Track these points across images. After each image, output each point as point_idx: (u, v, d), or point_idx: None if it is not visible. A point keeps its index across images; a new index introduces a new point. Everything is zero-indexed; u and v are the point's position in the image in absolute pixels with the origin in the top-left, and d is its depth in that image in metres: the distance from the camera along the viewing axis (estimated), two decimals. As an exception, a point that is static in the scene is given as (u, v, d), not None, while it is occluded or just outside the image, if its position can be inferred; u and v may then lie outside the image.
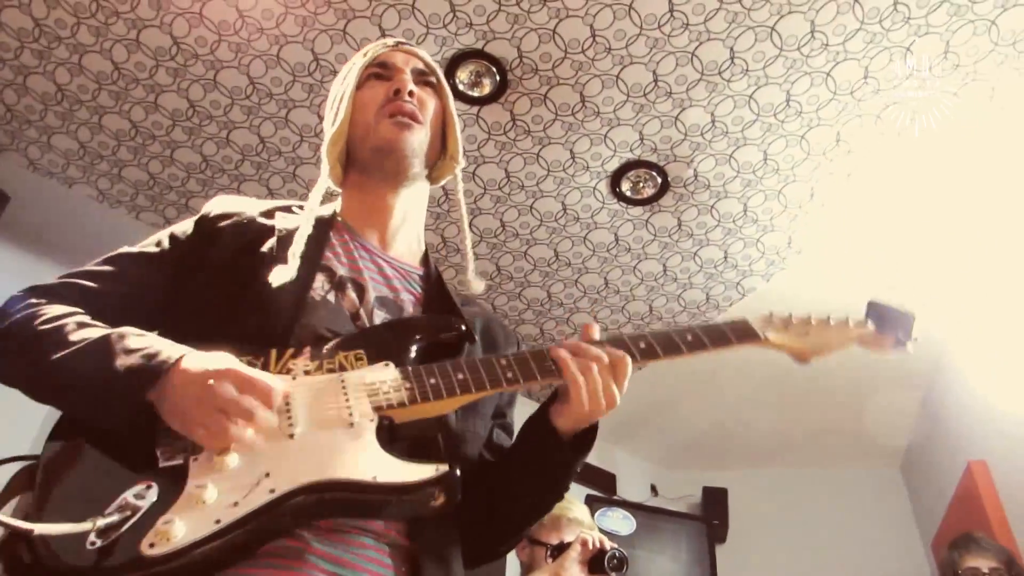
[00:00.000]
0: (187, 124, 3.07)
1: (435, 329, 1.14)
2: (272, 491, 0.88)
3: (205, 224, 1.19)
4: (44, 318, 1.03)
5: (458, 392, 1.03)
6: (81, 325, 1.02)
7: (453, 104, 1.34)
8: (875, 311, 1.28)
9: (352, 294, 1.16)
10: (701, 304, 3.73)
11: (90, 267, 1.15)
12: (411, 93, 1.24)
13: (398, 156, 1.23)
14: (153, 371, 0.93)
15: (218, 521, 0.85)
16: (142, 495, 0.87)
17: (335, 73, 2.78)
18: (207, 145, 3.15)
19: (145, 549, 0.82)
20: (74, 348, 0.98)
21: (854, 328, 1.27)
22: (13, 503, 0.94)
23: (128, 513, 0.84)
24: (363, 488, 0.92)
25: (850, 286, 3.53)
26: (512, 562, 3.76)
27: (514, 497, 1.16)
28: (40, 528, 0.80)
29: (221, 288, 1.11)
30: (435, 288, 1.25)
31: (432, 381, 1.03)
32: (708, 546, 4.17)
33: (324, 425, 0.97)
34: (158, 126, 3.09)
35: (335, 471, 0.92)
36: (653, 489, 4.76)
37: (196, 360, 0.93)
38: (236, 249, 1.15)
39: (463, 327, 1.14)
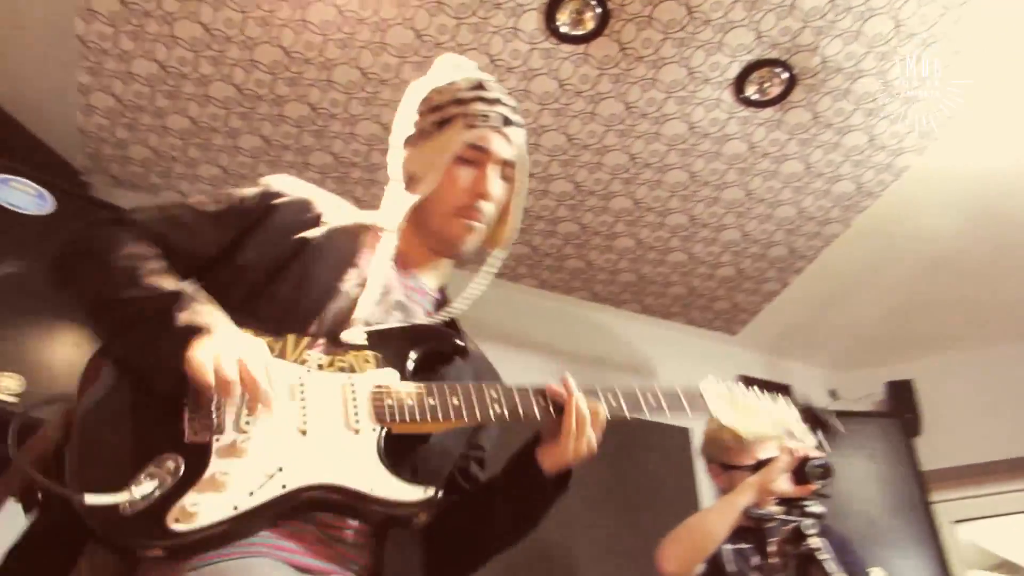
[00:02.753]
0: (313, 128, 3.19)
1: (439, 339, 1.28)
2: (284, 487, 1.03)
3: (267, 198, 1.31)
4: (124, 253, 1.16)
5: (452, 418, 1.14)
6: (153, 272, 1.14)
7: (524, 192, 1.40)
8: (806, 411, 1.45)
9: (383, 298, 1.28)
10: (852, 195, 3.55)
11: (163, 213, 1.27)
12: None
13: (457, 253, 1.36)
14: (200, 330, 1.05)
15: (236, 508, 0.99)
16: (170, 469, 0.99)
17: (439, 46, 2.82)
18: (335, 143, 3.27)
19: (171, 523, 0.96)
20: (146, 292, 1.11)
21: (780, 426, 1.41)
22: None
23: (157, 483, 0.97)
24: (361, 498, 1.06)
25: (1013, 146, 3.26)
26: (708, 492, 3.77)
27: (492, 525, 1.28)
28: (89, 499, 0.93)
29: (263, 263, 1.23)
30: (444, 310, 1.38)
31: (431, 402, 1.14)
32: (905, 441, 4.02)
33: (333, 427, 1.10)
34: (288, 136, 3.23)
35: (340, 477, 1.06)
36: (832, 394, 4.61)
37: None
38: (286, 228, 1.27)
39: (462, 344, 1.29)
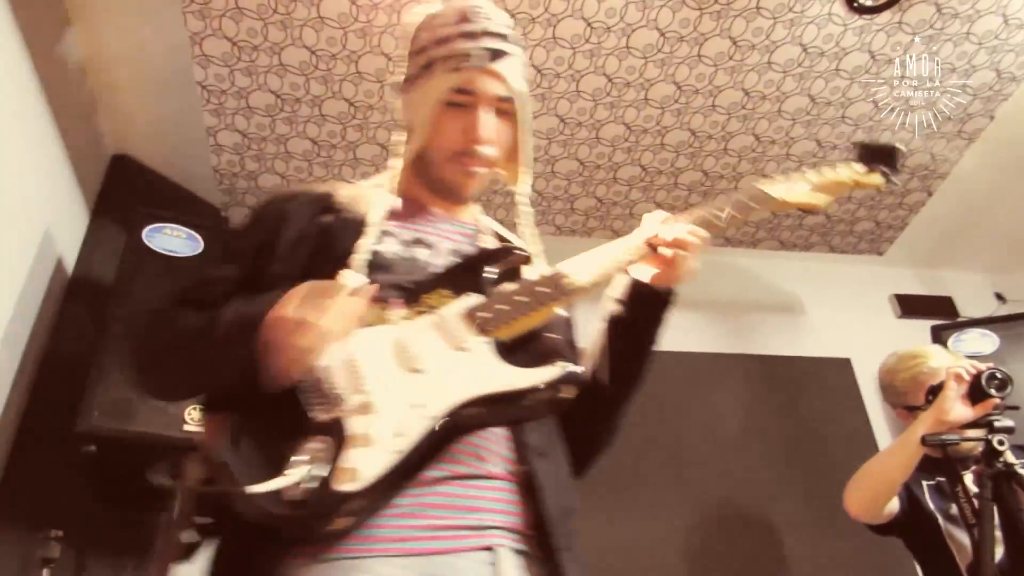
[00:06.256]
0: (424, 126, 3.25)
1: (498, 256, 1.25)
2: (429, 417, 1.03)
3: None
4: (180, 327, 1.17)
5: (547, 302, 1.14)
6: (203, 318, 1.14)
7: (529, 124, 1.34)
8: (862, 149, 1.39)
9: (422, 249, 1.28)
10: (993, 84, 3.29)
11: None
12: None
13: (461, 197, 1.37)
14: (252, 317, 1.06)
15: (398, 451, 1.00)
16: (315, 449, 0.99)
17: (534, 21, 2.80)
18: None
19: (339, 488, 0.96)
20: (199, 332, 1.12)
21: (842, 169, 1.36)
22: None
23: (308, 458, 0.97)
24: (503, 397, 1.06)
25: None
26: (881, 422, 3.65)
27: (617, 358, 1.28)
28: (251, 489, 0.93)
29: (302, 262, 1.21)
30: (488, 232, 1.40)
31: (521, 298, 1.14)
32: (1085, 336, 3.73)
33: (443, 356, 1.09)
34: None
35: (476, 387, 1.06)
36: (999, 297, 4.32)
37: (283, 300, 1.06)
38: (305, 231, 1.26)
39: (520, 250, 1.27)
